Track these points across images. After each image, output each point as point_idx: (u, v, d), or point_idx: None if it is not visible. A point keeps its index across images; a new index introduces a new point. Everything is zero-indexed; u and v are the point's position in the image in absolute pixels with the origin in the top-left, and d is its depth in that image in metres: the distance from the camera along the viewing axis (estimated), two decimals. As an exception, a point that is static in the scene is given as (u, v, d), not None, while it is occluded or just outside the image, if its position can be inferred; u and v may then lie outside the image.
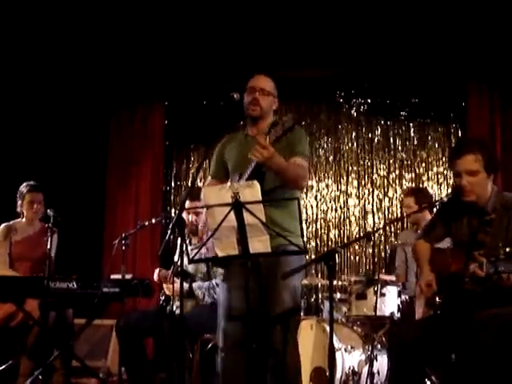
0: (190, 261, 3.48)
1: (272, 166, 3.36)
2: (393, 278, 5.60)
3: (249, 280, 3.24)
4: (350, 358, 4.89)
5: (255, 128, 3.72)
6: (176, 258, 4.76)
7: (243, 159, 3.51)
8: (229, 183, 3.24)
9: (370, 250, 6.88)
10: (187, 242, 4.42)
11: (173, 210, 7.62)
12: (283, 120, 3.33)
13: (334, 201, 7.20)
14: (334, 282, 5.55)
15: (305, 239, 3.42)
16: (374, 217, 7.04)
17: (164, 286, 4.75)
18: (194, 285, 4.64)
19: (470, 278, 3.17)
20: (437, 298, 3.53)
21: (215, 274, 4.64)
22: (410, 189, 6.31)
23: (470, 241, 3.39)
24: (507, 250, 2.99)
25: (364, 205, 7.09)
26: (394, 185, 7.02)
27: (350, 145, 7.20)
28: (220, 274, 4.51)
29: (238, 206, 3.07)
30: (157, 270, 4.87)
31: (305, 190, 6.93)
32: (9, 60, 6.68)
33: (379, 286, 5.08)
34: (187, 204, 4.74)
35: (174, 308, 4.48)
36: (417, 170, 6.95)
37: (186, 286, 4.07)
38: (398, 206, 6.94)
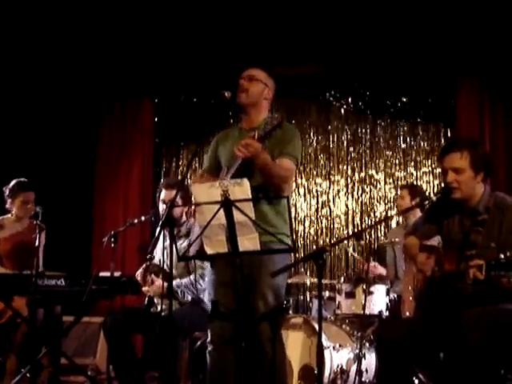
0: (180, 258, 3.48)
1: (257, 163, 3.37)
2: (384, 271, 5.62)
3: (235, 277, 3.24)
4: (338, 356, 4.89)
5: (249, 120, 3.70)
6: (157, 255, 4.71)
7: (234, 154, 3.51)
8: (219, 181, 3.24)
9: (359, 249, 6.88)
10: (165, 233, 4.39)
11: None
12: (272, 117, 3.32)
13: (323, 198, 7.20)
14: (324, 281, 5.56)
15: (293, 237, 3.40)
16: (362, 215, 7.05)
17: (143, 288, 4.69)
18: (173, 283, 4.60)
19: (471, 282, 3.17)
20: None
21: (193, 269, 4.64)
22: (406, 183, 6.59)
23: (463, 241, 3.41)
24: (508, 253, 3.00)
25: (353, 203, 7.10)
26: (382, 183, 7.03)
27: (339, 143, 7.21)
28: (199, 268, 4.55)
29: (227, 204, 3.07)
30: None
31: (294, 187, 6.93)
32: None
33: (368, 284, 5.11)
34: (163, 193, 4.75)
35: (159, 309, 4.46)
36: (406, 169, 6.96)
37: (165, 284, 4.02)
38: (387, 204, 6.96)
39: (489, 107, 6.35)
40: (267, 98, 3.73)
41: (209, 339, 3.55)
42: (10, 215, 5.33)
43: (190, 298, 4.61)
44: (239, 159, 3.38)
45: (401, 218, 6.52)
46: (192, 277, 4.60)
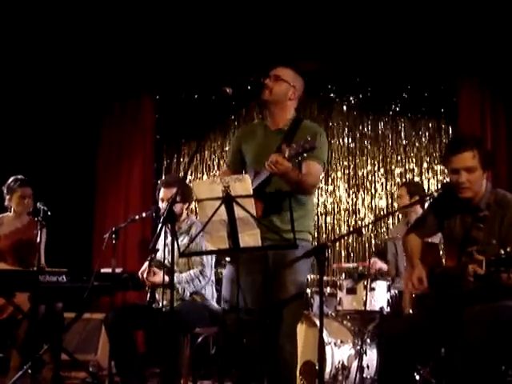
0: (181, 255, 3.49)
1: (285, 178, 3.38)
2: (385, 266, 5.61)
3: (239, 275, 3.25)
4: (339, 353, 4.91)
5: (274, 120, 3.69)
6: (160, 251, 4.70)
7: (262, 153, 3.50)
8: (220, 177, 3.25)
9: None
10: (166, 230, 4.39)
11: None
12: (306, 138, 3.25)
13: (324, 194, 7.20)
14: (324, 277, 5.55)
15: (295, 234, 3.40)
16: (364, 211, 7.05)
17: (146, 279, 4.67)
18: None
19: (473, 276, 3.17)
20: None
21: (193, 266, 4.64)
22: (404, 182, 6.55)
23: (464, 237, 3.40)
24: (508, 249, 3.00)
25: (354, 199, 7.10)
26: (384, 179, 7.02)
27: (340, 139, 7.20)
28: (199, 264, 4.56)
29: (228, 200, 3.07)
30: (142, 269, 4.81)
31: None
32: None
33: (369, 280, 5.11)
34: (162, 192, 4.76)
35: (160, 305, 4.46)
36: (407, 166, 6.95)
37: (166, 278, 4.02)
38: (389, 201, 6.96)
39: (490, 106, 6.33)
40: (292, 99, 3.70)
41: (224, 329, 3.58)
42: (9, 213, 5.34)
43: (188, 293, 4.61)
44: (265, 172, 3.37)
45: (401, 214, 6.51)
46: (192, 272, 4.61)
